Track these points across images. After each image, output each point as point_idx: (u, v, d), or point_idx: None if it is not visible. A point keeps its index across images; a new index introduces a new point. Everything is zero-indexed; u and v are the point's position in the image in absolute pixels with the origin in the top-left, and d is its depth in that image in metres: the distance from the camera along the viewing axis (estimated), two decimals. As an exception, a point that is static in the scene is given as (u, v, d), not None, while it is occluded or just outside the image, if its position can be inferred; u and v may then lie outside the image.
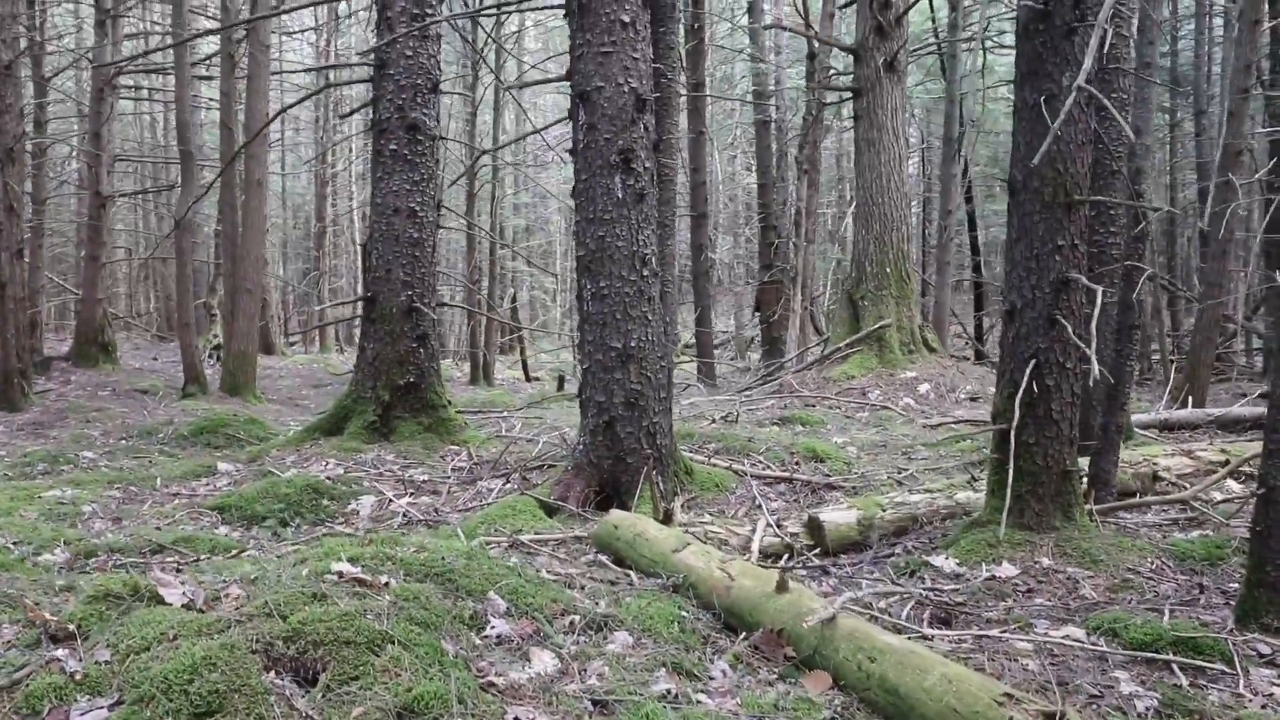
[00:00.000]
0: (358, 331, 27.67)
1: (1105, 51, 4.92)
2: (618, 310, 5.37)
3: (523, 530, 4.84)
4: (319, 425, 7.27)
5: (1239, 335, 18.37)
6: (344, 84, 7.07)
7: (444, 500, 5.81)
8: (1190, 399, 9.90)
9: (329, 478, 6.09)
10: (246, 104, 11.68)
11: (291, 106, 12.13)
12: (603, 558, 4.25)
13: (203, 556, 4.75)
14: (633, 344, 5.38)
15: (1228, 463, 5.95)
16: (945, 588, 4.08)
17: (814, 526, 4.79)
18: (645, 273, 5.42)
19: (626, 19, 5.34)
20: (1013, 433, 4.51)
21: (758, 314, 22.28)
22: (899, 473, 6.39)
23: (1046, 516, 4.54)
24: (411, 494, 5.96)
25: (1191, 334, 13.94)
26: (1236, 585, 4.06)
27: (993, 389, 11.50)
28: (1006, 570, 4.24)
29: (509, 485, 5.95)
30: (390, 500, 5.85)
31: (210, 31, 13.76)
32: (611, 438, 5.38)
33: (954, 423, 9.11)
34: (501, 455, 6.73)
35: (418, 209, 7.13)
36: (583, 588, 3.63)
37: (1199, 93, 19.46)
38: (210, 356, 16.72)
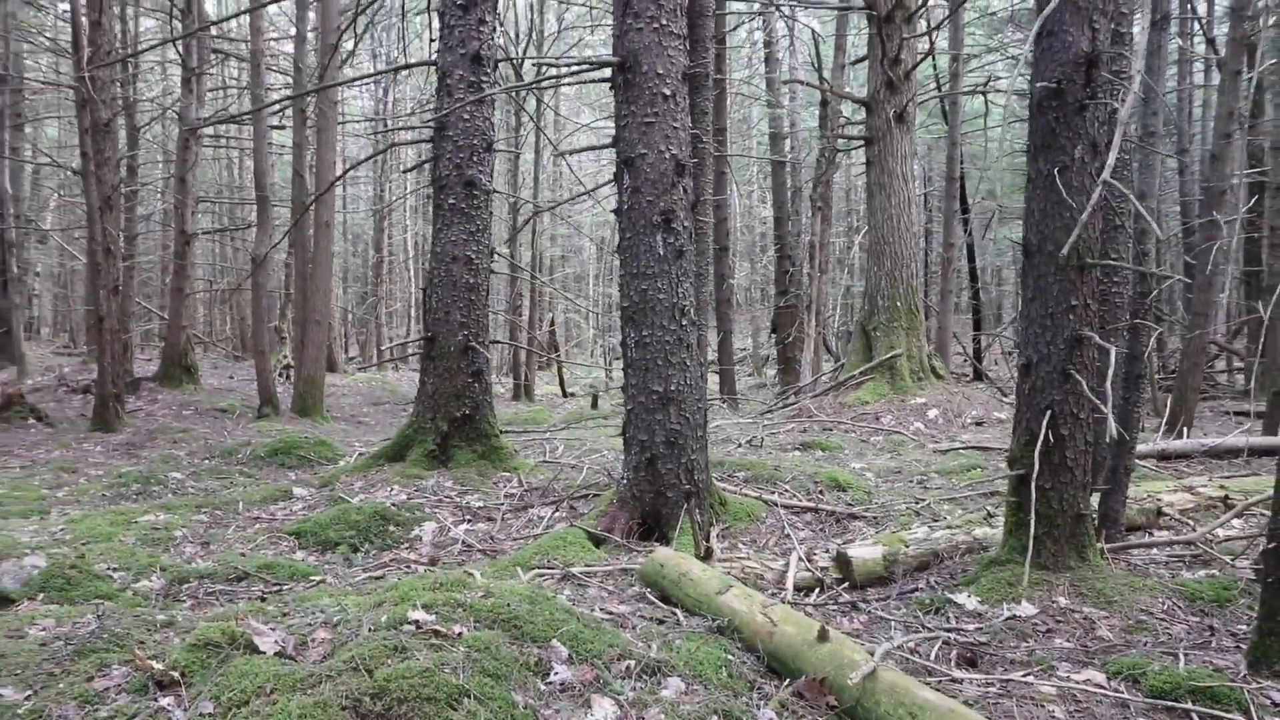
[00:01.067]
0: (413, 353, 27.58)
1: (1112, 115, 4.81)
2: (659, 357, 5.32)
3: (573, 562, 4.79)
4: (383, 452, 7.25)
5: (1220, 356, 18.10)
6: (406, 144, 7.12)
7: (498, 528, 5.77)
8: (1182, 422, 9.73)
9: (394, 504, 6.07)
10: (317, 154, 11.76)
11: (359, 164, 12.16)
12: (649, 594, 4.18)
13: (284, 584, 4.75)
14: (673, 388, 5.32)
15: (1226, 498, 5.80)
16: (969, 627, 3.99)
17: (842, 562, 4.70)
18: (684, 322, 5.37)
19: (667, 92, 5.30)
20: (1032, 479, 4.42)
21: (774, 335, 22.22)
22: (916, 503, 6.28)
23: (1062, 557, 4.43)
24: (468, 521, 5.93)
25: (1180, 361, 13.71)
26: (1244, 627, 3.95)
27: (995, 413, 11.37)
28: (1026, 609, 4.14)
29: (558, 514, 5.90)
30: (449, 527, 5.82)
31: (286, 98, 13.87)
32: (653, 474, 5.32)
33: (962, 448, 8.99)
34: (550, 483, 6.69)
35: (473, 257, 7.12)
36: (634, 628, 3.57)
37: (1181, 133, 19.23)
38: (280, 375, 16.83)
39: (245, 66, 16.86)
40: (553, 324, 26.56)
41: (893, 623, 4.06)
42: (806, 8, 15.19)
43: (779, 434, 10.07)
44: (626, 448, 5.46)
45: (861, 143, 12.30)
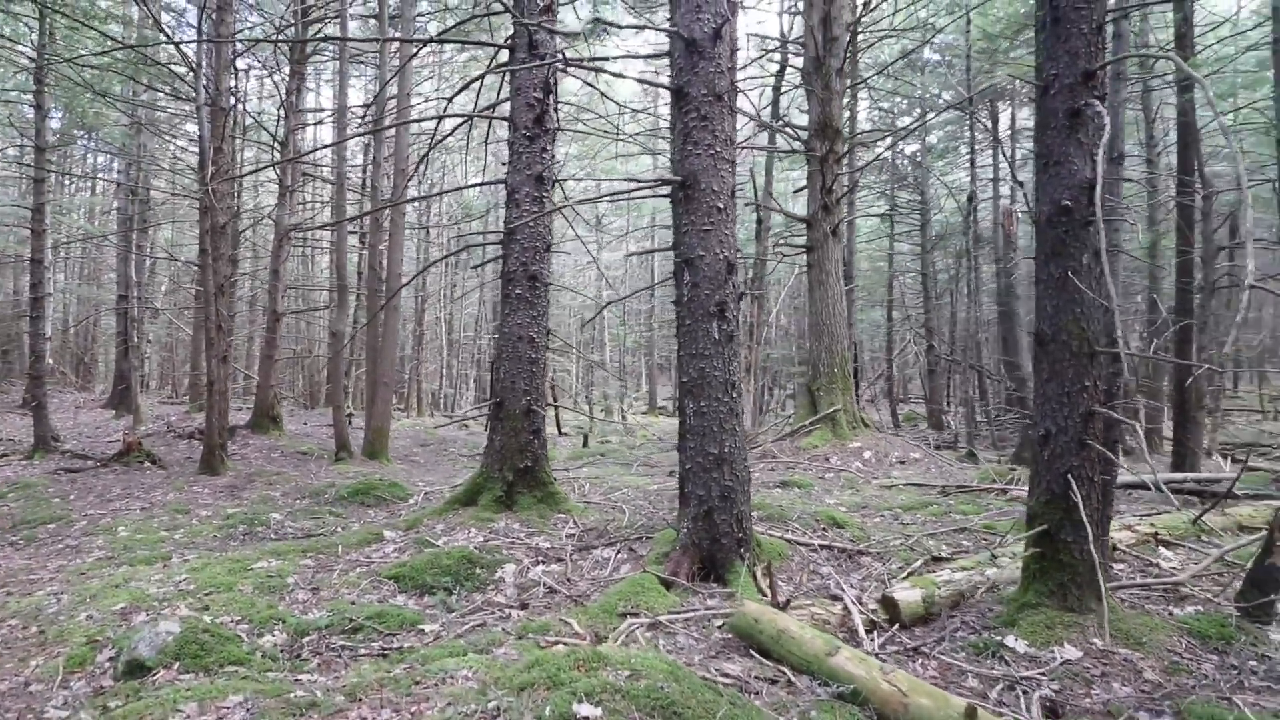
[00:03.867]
0: (442, 399, 26.10)
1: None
2: (714, 424, 4.56)
3: (655, 608, 3.94)
4: (456, 498, 6.30)
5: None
6: (478, 244, 6.41)
7: (570, 569, 4.87)
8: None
9: (475, 547, 5.13)
10: (389, 254, 10.87)
11: (432, 265, 11.33)
12: (742, 645, 3.36)
13: (397, 634, 3.80)
14: (726, 450, 4.55)
15: (1156, 535, 5.20)
16: (1031, 674, 3.23)
17: (889, 604, 3.93)
18: (734, 395, 4.63)
19: (720, 205, 4.63)
20: (1055, 534, 3.73)
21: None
22: (906, 539, 5.55)
23: (1084, 600, 3.72)
24: (542, 562, 5.02)
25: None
26: (1256, 663, 3.29)
27: (912, 454, 10.76)
28: (1071, 652, 3.41)
29: (620, 555, 5.03)
30: (527, 568, 4.91)
31: (369, 211, 12.99)
32: (710, 524, 4.52)
33: (903, 484, 8.34)
34: (603, 525, 5.82)
35: (535, 337, 6.32)
36: (759, 693, 2.75)
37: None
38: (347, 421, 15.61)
39: (328, 185, 15.97)
40: (552, 377, 25.56)
41: (966, 671, 3.29)
42: (769, 151, 14.83)
43: (756, 473, 9.31)
44: (684, 501, 4.65)
45: (803, 249, 11.83)
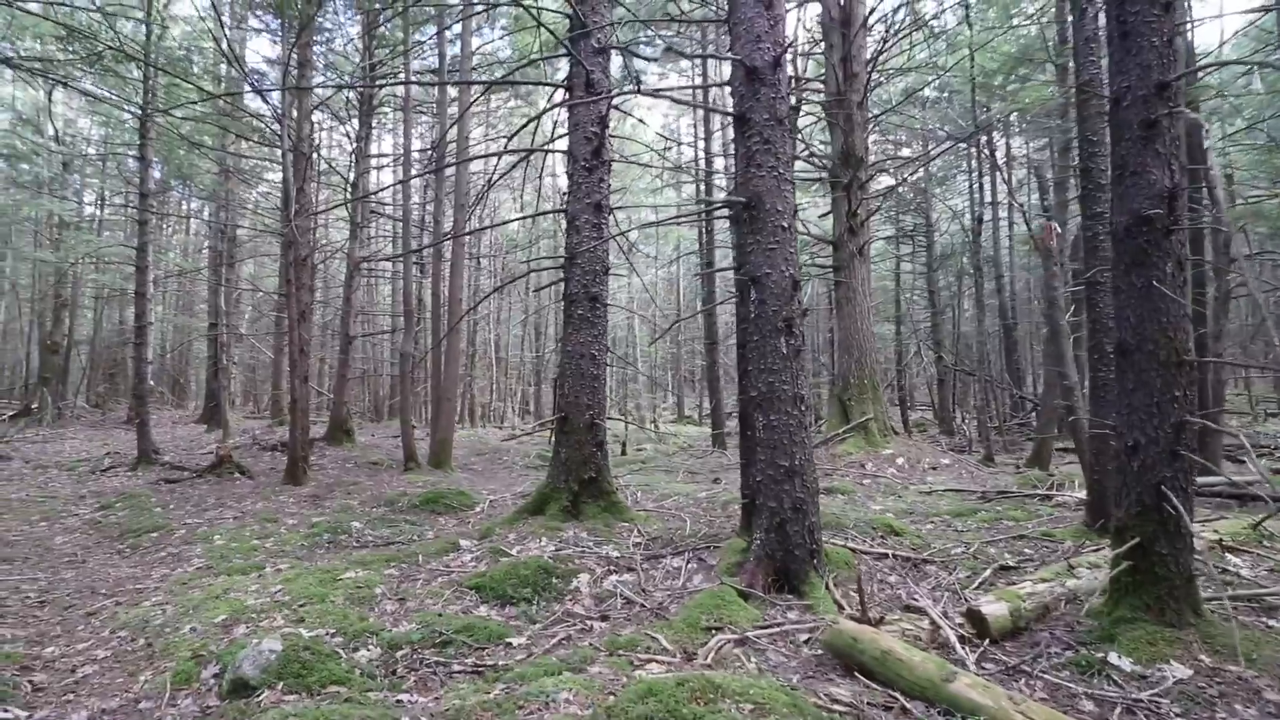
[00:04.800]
0: (491, 412, 25.80)
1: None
2: (784, 437, 4.18)
3: (738, 621, 3.55)
4: (526, 508, 5.99)
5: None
6: (543, 269, 6.18)
7: (644, 579, 4.50)
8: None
9: (550, 557, 4.79)
10: (450, 280, 10.68)
11: (500, 289, 11.09)
12: (838, 664, 2.96)
13: (487, 647, 3.47)
14: (797, 462, 4.17)
15: (1221, 540, 4.69)
16: (1145, 695, 2.79)
17: (976, 618, 3.50)
18: (803, 408, 4.25)
19: (785, 225, 4.29)
20: (1150, 546, 3.28)
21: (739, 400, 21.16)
22: (966, 547, 5.10)
23: (1183, 614, 3.26)
24: (614, 571, 4.66)
25: (1039, 418, 12.85)
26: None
27: (941, 459, 10.22)
28: (1180, 670, 2.95)
29: (691, 566, 4.65)
30: (600, 577, 4.55)
31: (427, 246, 12.87)
32: (782, 535, 4.13)
33: (943, 490, 7.84)
34: (666, 534, 5.45)
35: (596, 354, 6.01)
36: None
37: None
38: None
39: (392, 221, 15.97)
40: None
41: (1077, 693, 2.86)
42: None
43: (795, 479, 8.85)
44: (757, 513, 4.27)
45: (831, 269, 11.40)
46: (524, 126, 6.40)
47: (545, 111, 6.13)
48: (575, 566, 4.65)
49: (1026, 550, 4.97)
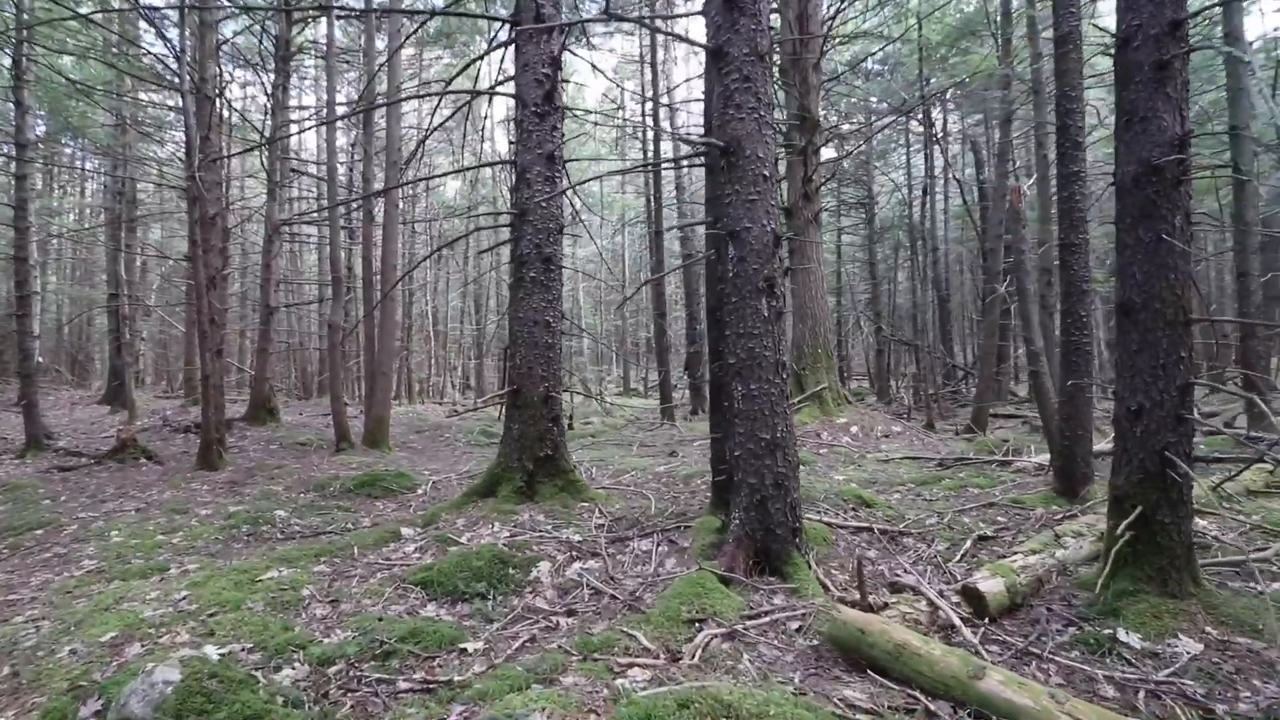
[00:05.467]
0: (430, 387, 24.74)
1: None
2: (765, 407, 3.82)
3: (720, 610, 3.19)
4: (476, 490, 5.46)
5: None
6: (488, 227, 5.54)
7: (611, 565, 4.09)
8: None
9: (504, 544, 4.31)
10: (383, 245, 9.80)
11: (438, 251, 10.27)
12: (840, 658, 2.64)
13: (438, 656, 2.98)
14: (778, 435, 3.82)
15: (1188, 504, 4.68)
16: (1164, 675, 2.60)
17: (972, 595, 3.27)
18: (784, 375, 3.90)
19: (766, 173, 3.87)
20: (1151, 514, 3.10)
21: (687, 372, 21.10)
22: (938, 517, 4.93)
23: (1183, 584, 3.12)
24: (578, 558, 4.23)
25: (980, 384, 13.19)
26: None
27: (894, 427, 10.23)
28: (1189, 645, 2.79)
29: (662, 549, 4.27)
30: (562, 565, 4.12)
31: (357, 199, 11.83)
32: (763, 513, 3.79)
33: (900, 458, 7.76)
34: (630, 514, 5.05)
35: (551, 321, 5.48)
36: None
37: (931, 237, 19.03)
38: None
39: (318, 182, 14.66)
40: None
41: (1095, 677, 2.63)
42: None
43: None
44: (735, 490, 3.91)
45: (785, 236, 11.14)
46: (466, 68, 5.69)
47: (492, 50, 5.45)
48: (534, 554, 4.19)
49: (999, 518, 4.85)
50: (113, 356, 17.24)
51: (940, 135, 21.71)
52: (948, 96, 19.32)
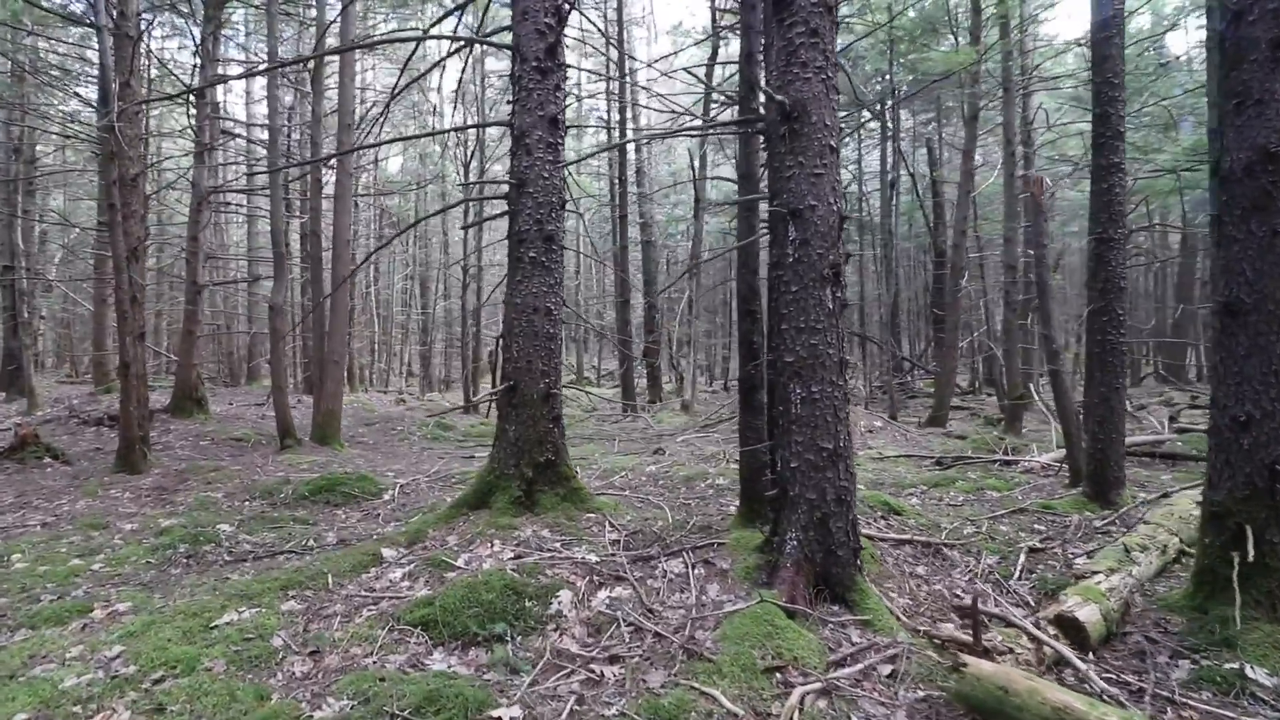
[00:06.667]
0: (373, 375, 23.31)
1: None
2: (828, 413, 3.35)
3: (799, 653, 2.71)
4: (465, 500, 4.76)
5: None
6: (485, 198, 4.78)
7: (644, 593, 3.53)
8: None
9: (513, 569, 3.68)
10: (335, 218, 8.79)
11: (425, 218, 9.30)
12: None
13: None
14: (841, 444, 3.36)
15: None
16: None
17: (1069, 625, 2.91)
18: (847, 377, 3.43)
19: (833, 143, 3.37)
20: (1252, 532, 2.81)
21: (645, 360, 20.70)
22: (971, 524, 4.62)
23: (1298, 612, 2.85)
24: (602, 584, 3.66)
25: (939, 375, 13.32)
26: None
27: (875, 423, 10.04)
28: (1330, 686, 2.50)
29: (698, 572, 3.74)
30: (586, 594, 3.53)
31: (302, 163, 10.66)
32: (824, 533, 3.33)
33: (896, 456, 7.52)
34: (645, 526, 4.50)
35: (552, 308, 4.83)
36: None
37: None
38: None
39: (253, 144, 13.23)
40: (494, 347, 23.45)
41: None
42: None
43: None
44: (791, 506, 3.42)
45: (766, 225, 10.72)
46: (451, 12, 4.91)
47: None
48: (550, 580, 3.59)
49: (1038, 527, 4.58)
50: (7, 338, 15.22)
51: (892, 132, 21.95)
52: (900, 92, 19.41)
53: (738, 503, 4.55)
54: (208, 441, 9.42)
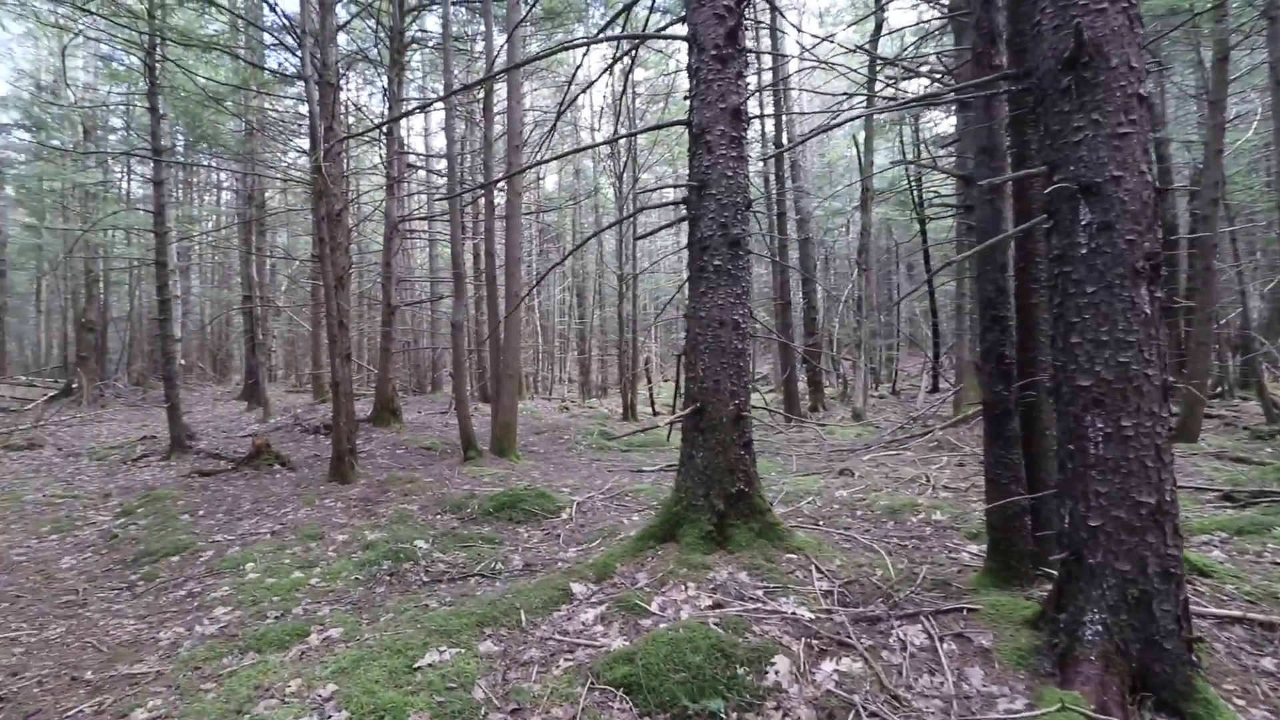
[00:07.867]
0: (538, 382, 24.43)
1: None
2: (1148, 456, 2.47)
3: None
4: (651, 532, 4.42)
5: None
6: (651, 206, 4.69)
7: (881, 670, 2.88)
8: None
9: (714, 622, 3.21)
10: (507, 236, 9.05)
11: (602, 231, 9.45)
12: None
13: None
14: (1166, 498, 2.47)
15: None
16: None
17: None
18: (1169, 408, 2.53)
19: (1144, 92, 2.49)
20: None
21: (805, 365, 19.32)
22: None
23: None
24: (824, 650, 3.06)
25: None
26: None
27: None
28: None
29: (948, 646, 3.01)
30: (807, 664, 2.96)
31: (477, 187, 11.21)
32: (1143, 617, 2.46)
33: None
34: (860, 576, 3.82)
35: (740, 321, 4.33)
36: None
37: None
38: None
39: (433, 174, 14.35)
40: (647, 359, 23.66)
41: None
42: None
43: (947, 469, 7.13)
44: (1092, 578, 2.59)
45: (962, 209, 9.38)
46: (619, 15, 4.60)
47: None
48: (760, 641, 3.06)
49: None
50: (248, 356, 17.93)
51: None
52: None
53: (978, 551, 3.71)
54: (402, 450, 10.17)
